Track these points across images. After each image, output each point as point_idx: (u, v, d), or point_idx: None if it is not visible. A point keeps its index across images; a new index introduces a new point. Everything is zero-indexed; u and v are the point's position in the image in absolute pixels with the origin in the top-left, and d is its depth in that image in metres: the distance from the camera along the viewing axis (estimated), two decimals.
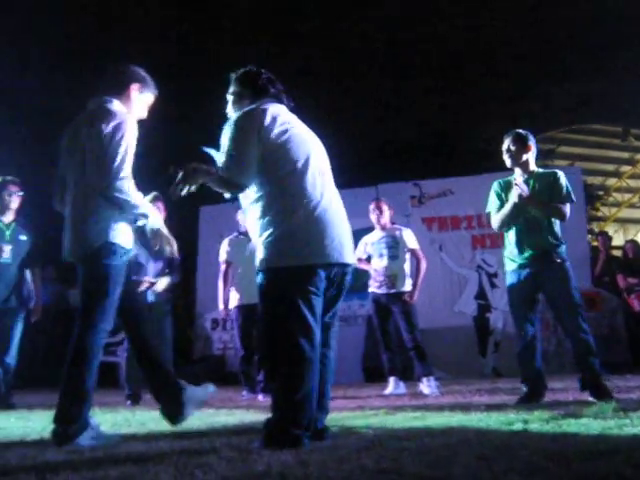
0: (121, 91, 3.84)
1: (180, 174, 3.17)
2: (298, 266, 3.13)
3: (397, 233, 7.04)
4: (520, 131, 5.24)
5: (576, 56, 13.54)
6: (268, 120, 3.22)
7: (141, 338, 3.83)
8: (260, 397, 6.63)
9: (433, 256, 9.67)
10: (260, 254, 3.21)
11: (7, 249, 6.25)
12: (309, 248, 3.14)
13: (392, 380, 6.82)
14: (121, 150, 3.56)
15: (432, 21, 13.56)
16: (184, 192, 3.22)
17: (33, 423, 4.56)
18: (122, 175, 3.55)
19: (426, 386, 6.51)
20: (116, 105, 3.77)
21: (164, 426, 3.83)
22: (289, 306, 3.09)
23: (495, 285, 9.61)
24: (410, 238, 7.04)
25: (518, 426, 3.37)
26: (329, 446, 2.95)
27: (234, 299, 7.04)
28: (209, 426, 4.11)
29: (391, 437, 3.16)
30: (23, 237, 6.41)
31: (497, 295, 9.59)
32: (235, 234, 7.35)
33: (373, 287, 6.99)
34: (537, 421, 3.54)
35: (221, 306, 7.17)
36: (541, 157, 13.26)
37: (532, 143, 5.22)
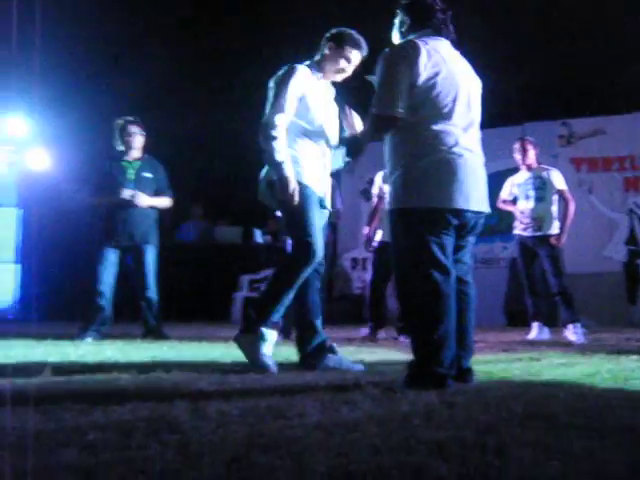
0: None
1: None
2: (425, 208, 3.11)
3: (544, 174, 6.77)
4: None
5: None
6: (420, 59, 3.12)
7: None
8: (401, 339, 6.64)
9: (581, 198, 9.26)
10: (390, 192, 3.25)
11: (130, 187, 6.44)
12: (436, 192, 3.10)
13: (536, 325, 6.67)
14: None
15: None
16: None
17: (184, 352, 4.80)
18: None
19: (572, 333, 6.31)
20: None
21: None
22: (419, 243, 3.08)
23: None
24: (558, 179, 6.76)
25: None
26: (474, 389, 2.92)
27: (379, 234, 7.00)
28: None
29: (537, 383, 3.10)
30: (148, 174, 6.54)
31: None
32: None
33: (519, 229, 6.79)
34: None
35: (366, 231, 7.07)
36: None
37: None
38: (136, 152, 6.55)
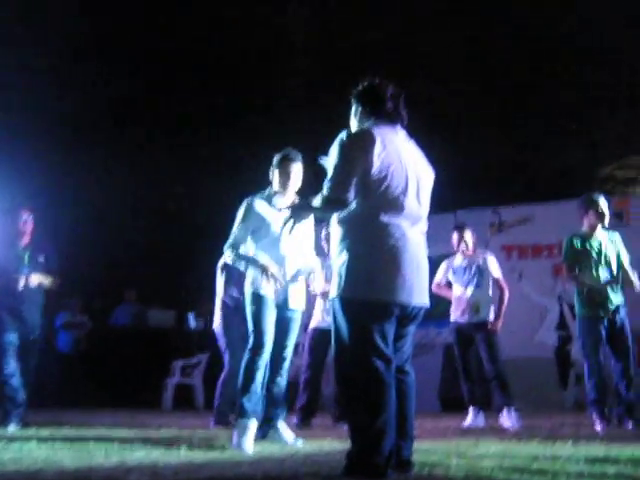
0: None
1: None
2: (368, 300, 3.11)
3: (481, 260, 6.86)
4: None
5: None
6: (374, 148, 3.16)
7: None
8: (340, 425, 6.56)
9: (513, 285, 9.43)
10: (335, 279, 3.20)
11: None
12: (380, 285, 3.12)
13: (472, 410, 6.66)
14: None
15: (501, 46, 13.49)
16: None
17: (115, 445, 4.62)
18: None
19: (506, 418, 6.32)
20: None
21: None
22: (361, 333, 3.08)
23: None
24: (494, 266, 6.86)
25: (608, 468, 3.23)
26: (414, 479, 2.87)
27: (313, 321, 6.94)
28: (288, 452, 4.09)
29: (477, 473, 3.07)
30: (41, 259, 6.46)
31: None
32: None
33: (455, 315, 6.84)
34: (629, 462, 3.39)
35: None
36: (622, 185, 12.95)
37: None
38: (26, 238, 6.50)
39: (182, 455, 3.90)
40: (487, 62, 13.64)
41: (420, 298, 3.23)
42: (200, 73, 13.32)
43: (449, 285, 6.99)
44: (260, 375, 4.54)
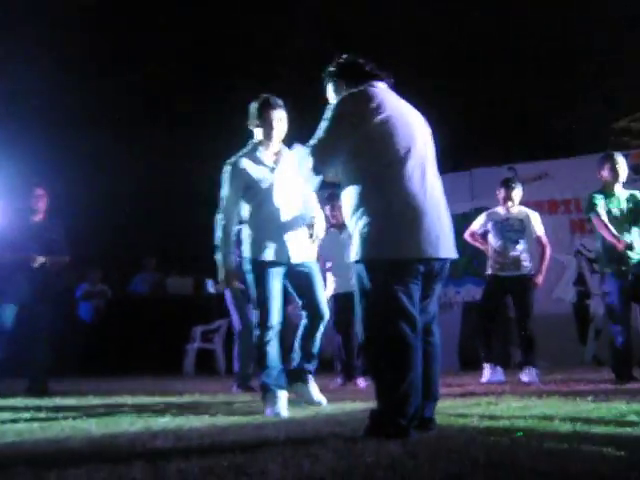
0: None
1: None
2: (393, 259, 3.10)
3: (524, 216, 6.84)
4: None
5: None
6: (371, 105, 3.16)
7: None
8: (360, 382, 6.65)
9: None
10: (355, 244, 3.18)
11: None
12: (404, 242, 3.09)
13: (487, 367, 6.67)
14: None
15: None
16: None
17: (138, 407, 4.69)
18: None
19: (526, 374, 6.35)
20: None
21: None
22: (387, 295, 3.06)
23: (595, 271, 9.28)
24: (537, 222, 6.84)
25: (631, 419, 3.24)
26: (437, 437, 2.90)
27: (330, 288, 7.01)
28: (310, 414, 4.13)
29: (498, 428, 3.09)
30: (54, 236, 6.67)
31: (597, 281, 9.28)
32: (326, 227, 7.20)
33: (494, 269, 6.76)
34: None
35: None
36: (637, 137, 12.78)
37: None
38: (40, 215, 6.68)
39: (206, 420, 3.95)
40: (501, 22, 13.44)
41: (445, 251, 3.17)
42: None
43: (483, 237, 6.92)
44: (273, 348, 4.42)
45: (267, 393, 4.30)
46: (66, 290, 10.67)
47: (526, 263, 6.72)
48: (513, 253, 6.70)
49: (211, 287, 10.64)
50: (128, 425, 3.71)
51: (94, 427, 3.65)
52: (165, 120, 12.95)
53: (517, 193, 6.85)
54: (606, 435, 2.76)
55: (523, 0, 13.21)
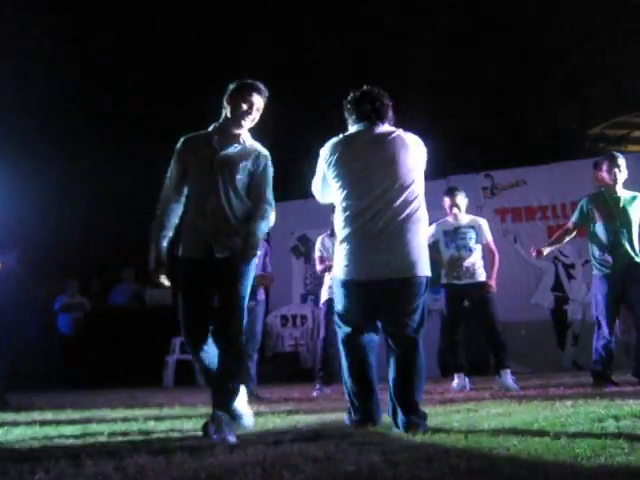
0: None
1: None
2: (343, 279, 3.82)
3: (474, 223, 6.88)
4: (619, 154, 6.13)
5: None
6: (331, 159, 3.84)
7: None
8: None
9: (507, 248, 9.49)
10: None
11: None
12: (348, 265, 3.77)
13: (456, 377, 6.67)
14: None
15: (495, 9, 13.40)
16: None
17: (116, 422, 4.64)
18: None
19: (503, 380, 6.37)
20: None
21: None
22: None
23: (572, 276, 9.37)
24: (486, 229, 6.88)
25: (609, 423, 3.26)
26: (417, 445, 2.90)
27: (325, 294, 7.01)
28: (290, 425, 4.12)
29: (478, 435, 3.10)
30: None
31: (574, 287, 9.36)
32: (327, 233, 7.20)
33: (449, 278, 6.79)
34: (629, 417, 3.42)
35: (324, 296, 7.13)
36: (613, 143, 12.92)
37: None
38: None
39: (186, 432, 3.93)
40: (477, 26, 13.55)
41: (375, 273, 3.69)
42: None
43: (434, 248, 6.91)
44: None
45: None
46: (43, 302, 10.61)
47: (480, 270, 6.76)
48: (468, 261, 6.73)
49: None
50: (106, 438, 3.67)
51: (72, 440, 3.61)
52: (147, 133, 12.92)
53: (461, 199, 6.89)
54: (585, 440, 2.77)
55: (500, 7, 13.32)
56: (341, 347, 3.90)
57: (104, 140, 12.59)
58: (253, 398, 6.10)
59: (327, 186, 3.93)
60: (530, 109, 13.66)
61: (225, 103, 3.95)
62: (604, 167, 6.11)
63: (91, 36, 12.71)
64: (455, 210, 6.83)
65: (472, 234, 6.78)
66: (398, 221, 3.67)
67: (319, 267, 7.20)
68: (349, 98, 3.98)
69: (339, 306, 3.89)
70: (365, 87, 4.00)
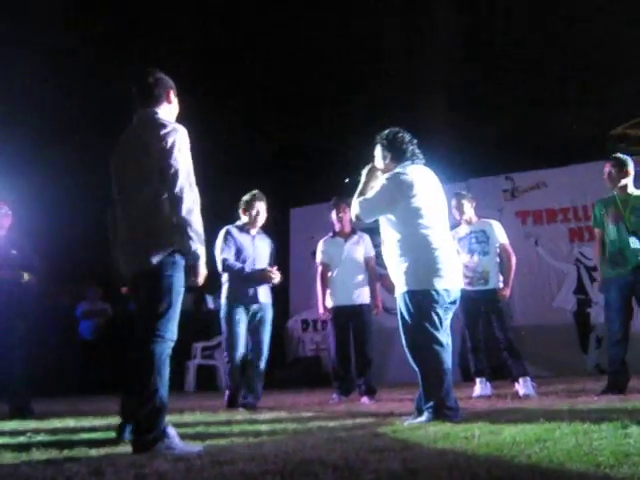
0: (163, 100, 3.80)
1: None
2: (427, 290, 4.27)
3: (486, 227, 6.78)
4: (619, 156, 6.01)
5: None
6: (412, 189, 4.29)
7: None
8: (365, 400, 6.58)
9: (529, 251, 9.44)
10: (400, 278, 4.36)
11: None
12: (434, 276, 4.27)
13: (478, 381, 6.62)
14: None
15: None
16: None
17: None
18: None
19: (522, 387, 6.27)
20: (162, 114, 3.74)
21: (265, 428, 3.84)
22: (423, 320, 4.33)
23: (595, 279, 9.26)
24: (500, 232, 6.77)
25: (632, 430, 3.21)
26: (437, 453, 2.88)
27: (328, 300, 6.95)
28: (308, 430, 4.10)
29: (498, 443, 3.06)
30: (14, 251, 6.51)
31: (597, 289, 9.27)
32: (330, 234, 7.20)
33: (463, 284, 6.70)
34: None
35: (321, 309, 7.04)
36: (634, 143, 12.77)
37: (631, 168, 5.92)
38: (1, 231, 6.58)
39: (206, 436, 3.93)
40: (494, 29, 13.49)
41: (458, 282, 4.54)
42: None
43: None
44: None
45: None
46: (65, 308, 10.67)
47: (494, 276, 6.66)
48: (482, 266, 6.64)
49: (211, 303, 10.63)
50: (127, 446, 3.67)
51: (94, 447, 3.62)
52: None
53: (467, 203, 6.83)
54: (608, 448, 2.73)
55: (522, 9, 13.25)
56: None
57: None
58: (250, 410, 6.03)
59: (394, 210, 4.34)
60: (552, 110, 13.56)
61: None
62: (605, 170, 6.05)
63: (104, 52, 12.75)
64: (462, 214, 6.79)
65: (484, 237, 6.71)
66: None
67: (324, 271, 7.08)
68: (399, 137, 4.47)
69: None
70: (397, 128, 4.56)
